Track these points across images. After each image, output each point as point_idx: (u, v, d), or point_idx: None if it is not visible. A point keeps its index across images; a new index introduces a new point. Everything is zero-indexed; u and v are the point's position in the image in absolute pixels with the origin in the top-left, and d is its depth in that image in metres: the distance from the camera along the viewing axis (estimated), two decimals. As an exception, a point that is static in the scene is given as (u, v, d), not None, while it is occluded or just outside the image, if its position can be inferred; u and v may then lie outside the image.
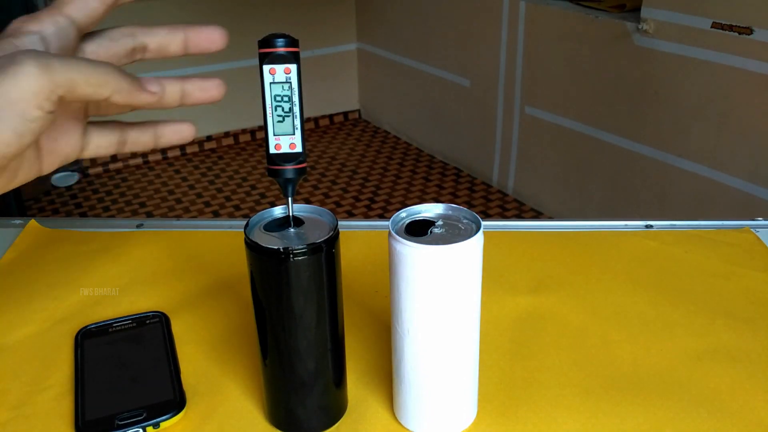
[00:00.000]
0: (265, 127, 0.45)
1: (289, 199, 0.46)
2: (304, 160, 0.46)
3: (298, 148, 0.45)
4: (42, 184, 2.80)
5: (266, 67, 0.44)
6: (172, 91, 0.43)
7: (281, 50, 0.44)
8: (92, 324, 0.59)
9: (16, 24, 0.40)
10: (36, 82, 0.35)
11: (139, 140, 0.46)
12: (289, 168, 0.45)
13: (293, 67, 0.44)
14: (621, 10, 2.10)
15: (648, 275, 0.67)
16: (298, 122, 0.45)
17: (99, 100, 0.38)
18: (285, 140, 0.45)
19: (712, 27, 1.78)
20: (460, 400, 0.48)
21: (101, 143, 0.45)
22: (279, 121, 0.45)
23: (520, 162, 2.59)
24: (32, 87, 0.35)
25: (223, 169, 2.97)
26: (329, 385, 0.48)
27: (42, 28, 0.40)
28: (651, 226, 0.76)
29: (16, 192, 2.50)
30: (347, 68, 3.36)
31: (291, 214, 0.46)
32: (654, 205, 2.11)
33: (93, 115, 0.45)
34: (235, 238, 0.72)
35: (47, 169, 0.43)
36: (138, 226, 0.77)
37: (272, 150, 0.45)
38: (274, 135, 0.45)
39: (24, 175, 0.42)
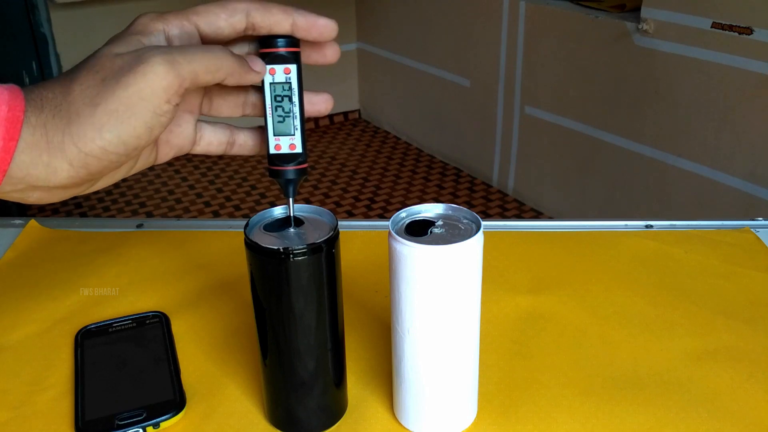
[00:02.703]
0: (265, 128, 0.45)
1: (290, 199, 0.46)
2: (304, 161, 0.46)
3: (298, 149, 0.45)
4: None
5: (266, 67, 0.44)
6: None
7: (281, 50, 0.44)
8: (92, 324, 0.59)
9: (143, 20, 0.42)
10: (165, 79, 0.38)
11: (247, 144, 0.49)
12: (289, 169, 0.45)
13: (293, 67, 0.44)
14: (621, 10, 2.10)
15: (648, 275, 0.67)
16: (298, 123, 0.45)
17: (213, 83, 0.41)
18: (285, 141, 0.45)
19: (712, 27, 1.78)
20: (460, 400, 0.48)
21: (212, 140, 0.48)
22: (279, 122, 0.45)
23: (520, 162, 2.59)
24: (162, 84, 0.38)
25: (223, 169, 2.96)
26: (329, 385, 0.48)
27: (168, 27, 0.42)
28: (651, 226, 0.76)
29: (16, 192, 2.50)
30: (347, 68, 3.35)
31: (292, 215, 0.46)
32: (654, 205, 2.11)
33: (204, 114, 0.48)
34: (235, 238, 0.72)
35: (162, 158, 0.46)
36: (138, 226, 0.77)
37: (272, 150, 0.45)
38: (274, 135, 0.45)
39: (142, 164, 0.45)
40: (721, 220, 0.76)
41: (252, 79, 0.43)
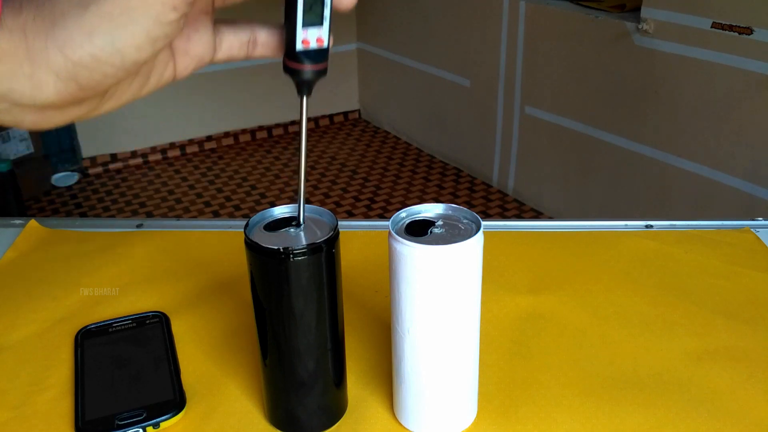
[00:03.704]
0: (289, 18, 0.39)
1: (304, 100, 0.42)
2: (327, 58, 0.41)
3: (325, 44, 0.40)
4: (42, 184, 2.80)
5: None
6: None
7: None
8: (92, 324, 0.59)
9: None
10: None
11: (270, 43, 0.42)
12: (312, 69, 0.40)
13: None
14: (621, 10, 2.10)
15: (648, 275, 0.67)
16: (327, 11, 0.39)
17: None
18: (313, 34, 0.39)
19: (712, 27, 1.78)
20: (460, 400, 0.48)
21: (233, 42, 0.42)
22: (307, 10, 0.39)
23: (520, 162, 2.59)
24: None
25: (223, 169, 2.96)
26: (329, 385, 0.48)
27: None
28: (651, 226, 0.76)
29: (16, 192, 2.50)
30: (347, 68, 3.35)
31: (304, 132, 0.42)
32: (654, 205, 2.11)
33: (219, 6, 0.42)
34: (235, 238, 0.72)
35: (182, 73, 0.41)
36: (138, 226, 0.77)
37: (299, 46, 0.39)
38: (303, 27, 0.39)
39: (156, 80, 0.40)
40: (721, 220, 0.76)
41: None
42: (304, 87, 0.41)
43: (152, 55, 0.35)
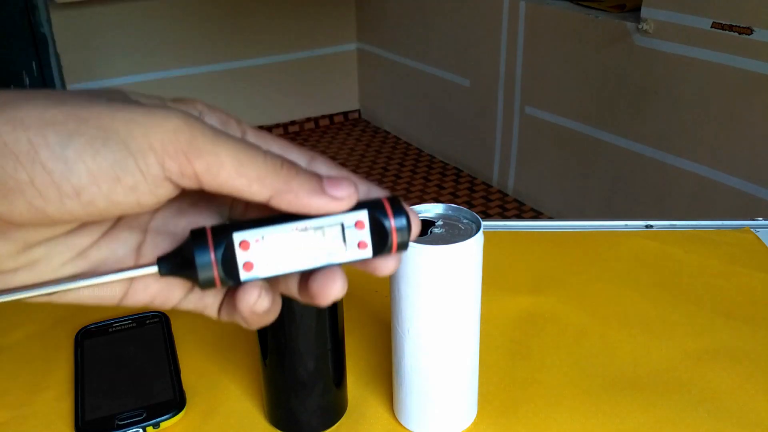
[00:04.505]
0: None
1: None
2: (239, 285, 0.28)
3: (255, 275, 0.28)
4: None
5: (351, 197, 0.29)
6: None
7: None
8: (92, 324, 0.59)
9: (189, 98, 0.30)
10: (173, 134, 0.25)
11: (289, 288, 0.31)
12: (213, 274, 0.28)
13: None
14: (621, 10, 2.10)
15: (648, 275, 0.67)
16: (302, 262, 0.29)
17: (250, 200, 0.27)
18: (266, 248, 0.28)
19: (712, 27, 1.78)
20: (460, 400, 0.48)
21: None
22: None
23: (520, 162, 2.59)
24: (166, 136, 0.25)
25: (223, 169, 2.96)
26: (329, 385, 0.48)
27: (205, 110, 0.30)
28: (651, 226, 0.76)
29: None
30: (347, 68, 3.35)
31: None
32: (654, 205, 2.11)
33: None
34: (235, 238, 0.72)
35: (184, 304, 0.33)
36: (138, 226, 0.76)
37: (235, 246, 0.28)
38: (261, 231, 0.28)
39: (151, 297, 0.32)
40: (721, 220, 0.76)
41: (323, 207, 0.27)
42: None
43: (103, 212, 0.26)
